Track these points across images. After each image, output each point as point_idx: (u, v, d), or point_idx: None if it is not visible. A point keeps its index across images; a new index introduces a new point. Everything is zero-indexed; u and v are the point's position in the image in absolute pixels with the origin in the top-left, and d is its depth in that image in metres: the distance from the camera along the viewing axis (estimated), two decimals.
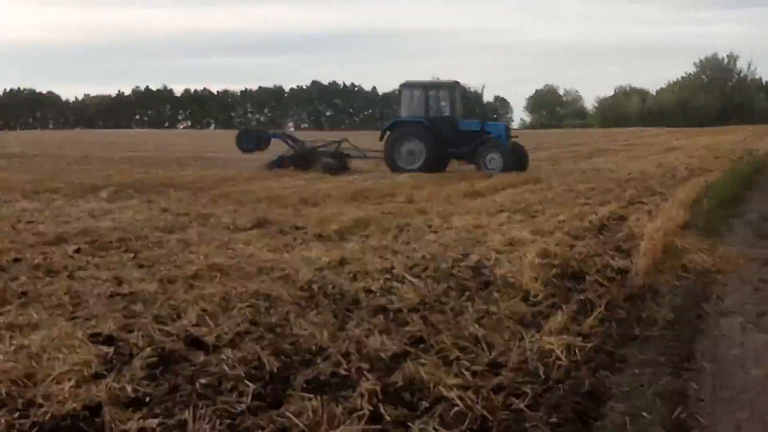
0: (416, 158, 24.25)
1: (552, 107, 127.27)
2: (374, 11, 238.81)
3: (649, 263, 8.62)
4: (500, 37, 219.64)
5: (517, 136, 27.31)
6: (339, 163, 24.95)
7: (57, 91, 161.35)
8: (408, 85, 25.62)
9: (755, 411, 4.96)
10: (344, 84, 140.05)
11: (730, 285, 8.55)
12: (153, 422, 4.36)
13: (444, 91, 25.49)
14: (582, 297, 7.35)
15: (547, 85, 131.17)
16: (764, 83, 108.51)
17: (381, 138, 25.16)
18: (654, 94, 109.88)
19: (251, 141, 26.27)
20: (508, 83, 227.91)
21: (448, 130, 24.42)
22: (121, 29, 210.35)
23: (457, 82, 25.84)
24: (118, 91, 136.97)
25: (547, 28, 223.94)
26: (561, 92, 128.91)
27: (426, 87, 25.41)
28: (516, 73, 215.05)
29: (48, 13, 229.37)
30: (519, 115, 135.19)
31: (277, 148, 26.72)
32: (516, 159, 24.30)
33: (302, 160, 25.12)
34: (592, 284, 7.96)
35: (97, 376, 5.06)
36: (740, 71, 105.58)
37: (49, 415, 4.43)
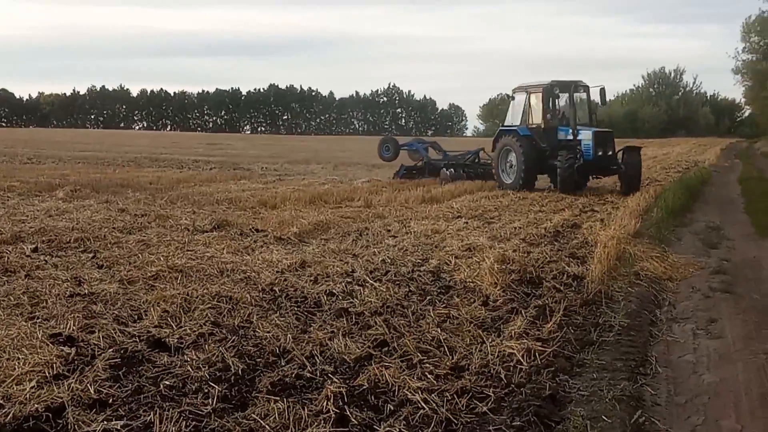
0: (513, 172, 21.10)
1: (505, 116, 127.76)
2: (332, 17, 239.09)
3: (604, 270, 8.77)
4: (455, 46, 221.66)
5: (641, 146, 22.24)
6: (459, 173, 23.65)
7: (10, 88, 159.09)
8: (517, 89, 22.04)
9: (709, 416, 5.11)
10: (301, 88, 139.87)
11: (682, 292, 8.78)
12: (118, 424, 4.34)
13: (545, 95, 20.99)
14: (540, 302, 7.49)
15: (500, 93, 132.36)
16: (708, 97, 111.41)
17: (492, 149, 22.25)
18: None
19: (390, 149, 26.61)
20: (463, 91, 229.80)
21: (547, 138, 20.86)
22: (78, 27, 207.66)
23: (558, 83, 21.05)
24: (73, 90, 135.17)
25: (501, 38, 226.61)
26: None
27: (527, 90, 21.53)
28: (470, 82, 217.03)
29: (2, 8, 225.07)
30: (473, 123, 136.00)
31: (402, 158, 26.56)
32: (628, 179, 20.33)
33: (432, 169, 24.61)
34: (550, 290, 8.09)
35: (59, 377, 5.02)
36: (686, 85, 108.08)
37: (10, 415, 4.38)
